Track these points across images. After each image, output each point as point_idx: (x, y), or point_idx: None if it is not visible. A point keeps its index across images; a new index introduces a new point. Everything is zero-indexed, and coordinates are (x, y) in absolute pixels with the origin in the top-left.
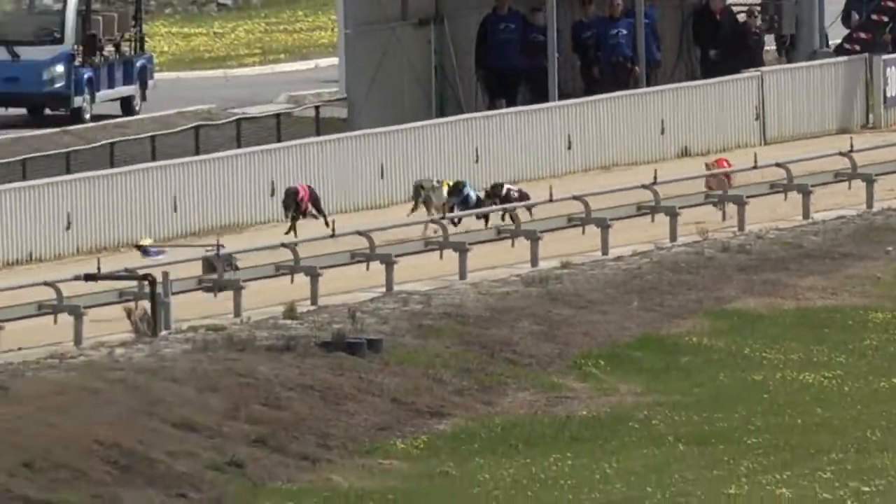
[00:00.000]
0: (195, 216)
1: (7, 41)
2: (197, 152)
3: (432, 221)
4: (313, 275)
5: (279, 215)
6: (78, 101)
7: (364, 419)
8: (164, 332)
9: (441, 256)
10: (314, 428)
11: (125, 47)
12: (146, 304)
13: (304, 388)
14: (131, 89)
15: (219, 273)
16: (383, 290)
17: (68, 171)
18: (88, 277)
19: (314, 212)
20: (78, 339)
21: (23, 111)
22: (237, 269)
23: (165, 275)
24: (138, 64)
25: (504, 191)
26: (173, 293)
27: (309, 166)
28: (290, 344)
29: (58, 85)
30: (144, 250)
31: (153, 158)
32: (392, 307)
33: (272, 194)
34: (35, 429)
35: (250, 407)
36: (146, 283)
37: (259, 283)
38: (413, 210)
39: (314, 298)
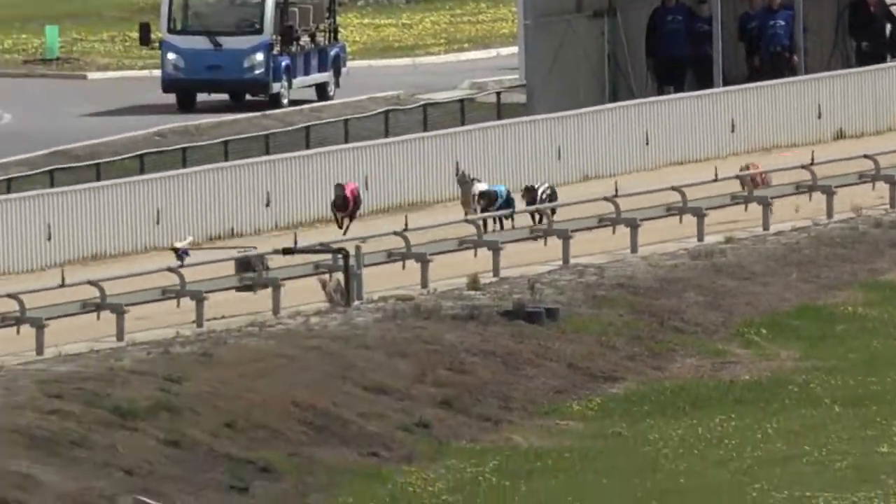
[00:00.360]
0: (384, 194)
1: (211, 32)
2: (386, 135)
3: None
4: (495, 249)
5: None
6: (276, 87)
7: (542, 383)
8: (356, 302)
9: (614, 232)
10: (496, 391)
11: (320, 37)
12: (340, 276)
13: (486, 353)
14: (326, 76)
15: (257, 272)
16: (560, 263)
17: (267, 152)
18: (286, 251)
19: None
20: (276, 309)
21: (225, 97)
22: (268, 269)
23: (358, 248)
24: (332, 53)
25: (538, 193)
26: (365, 266)
27: (490, 148)
28: (473, 313)
29: (258, 72)
30: (179, 252)
31: (346, 141)
32: (568, 279)
33: (457, 174)
34: (236, 392)
35: (436, 371)
36: (340, 256)
37: (445, 257)
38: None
39: (496, 271)
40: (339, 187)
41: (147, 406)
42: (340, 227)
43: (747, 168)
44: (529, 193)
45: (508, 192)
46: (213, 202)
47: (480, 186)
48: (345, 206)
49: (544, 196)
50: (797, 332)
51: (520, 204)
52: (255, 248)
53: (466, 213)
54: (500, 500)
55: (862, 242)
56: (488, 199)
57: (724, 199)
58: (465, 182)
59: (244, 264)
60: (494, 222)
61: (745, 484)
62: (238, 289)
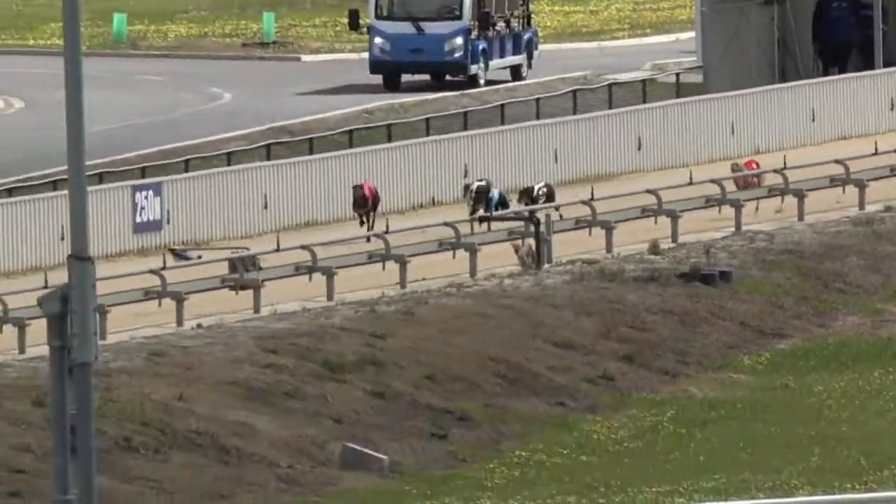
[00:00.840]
0: (572, 167)
1: (414, 18)
2: (574, 112)
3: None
4: (673, 217)
5: (645, 166)
6: (474, 68)
7: (716, 339)
8: (546, 266)
9: (782, 201)
10: (673, 347)
11: (514, 23)
12: (531, 242)
13: (665, 312)
14: (519, 58)
15: (240, 273)
16: (733, 229)
17: (465, 128)
18: (482, 219)
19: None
20: (473, 272)
21: (427, 77)
22: (260, 268)
23: (548, 216)
24: (525, 37)
25: (535, 192)
26: (554, 232)
27: (669, 125)
28: (653, 275)
29: (457, 55)
30: (177, 253)
31: (537, 117)
32: (740, 244)
33: (639, 148)
34: (436, 347)
35: (619, 329)
36: (532, 223)
37: (628, 224)
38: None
39: (674, 237)
40: (359, 188)
41: (354, 360)
42: (362, 225)
43: (740, 169)
44: (526, 193)
45: (501, 194)
46: (417, 174)
47: (481, 185)
48: (364, 205)
49: (540, 193)
50: None
51: (518, 204)
52: (247, 248)
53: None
54: (678, 446)
55: None
56: (479, 197)
57: (883, 171)
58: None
59: (236, 265)
60: (480, 223)
61: None
62: (231, 288)
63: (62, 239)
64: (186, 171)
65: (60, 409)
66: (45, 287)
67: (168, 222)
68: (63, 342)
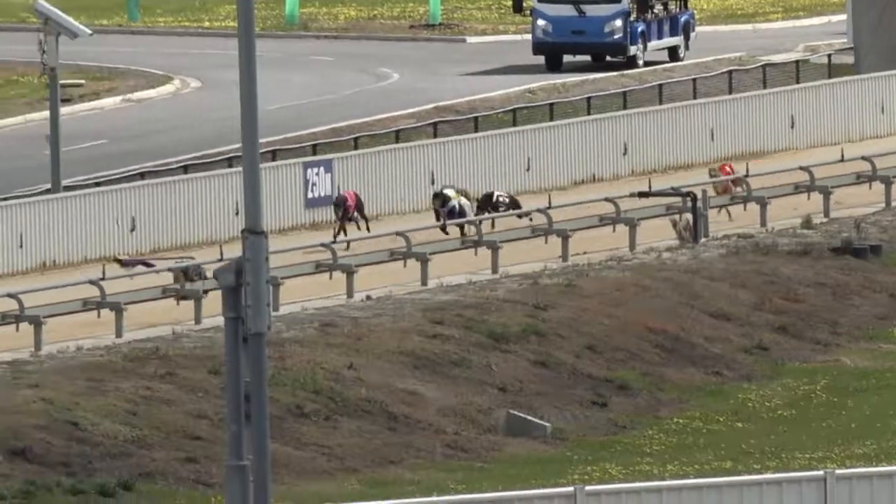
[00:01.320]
0: (728, 145)
1: (575, 1)
2: (730, 92)
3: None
4: (825, 192)
5: (798, 144)
6: (632, 49)
7: (866, 311)
8: (702, 240)
9: None
10: (826, 318)
11: (671, 5)
12: (689, 216)
13: (817, 285)
14: (676, 40)
15: (181, 284)
16: (883, 205)
17: (625, 107)
18: (641, 195)
19: (357, 216)
20: (632, 245)
21: (588, 58)
22: (206, 278)
23: (704, 192)
24: (682, 19)
25: (494, 198)
26: (710, 208)
27: (821, 104)
28: (806, 249)
29: (616, 37)
30: (124, 263)
31: (694, 97)
32: (890, 219)
33: (792, 127)
34: (597, 318)
35: (773, 300)
36: (689, 199)
37: (783, 200)
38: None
39: (826, 212)
40: (340, 197)
41: (518, 331)
42: (340, 232)
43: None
44: (487, 199)
45: (461, 204)
46: (578, 152)
47: (449, 192)
48: (346, 211)
49: (500, 200)
50: None
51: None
52: (192, 258)
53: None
54: (830, 414)
55: None
56: (441, 201)
57: None
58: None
59: (182, 274)
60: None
61: None
62: (177, 298)
63: (237, 214)
64: (356, 148)
65: (235, 378)
66: (220, 260)
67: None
68: (237, 313)
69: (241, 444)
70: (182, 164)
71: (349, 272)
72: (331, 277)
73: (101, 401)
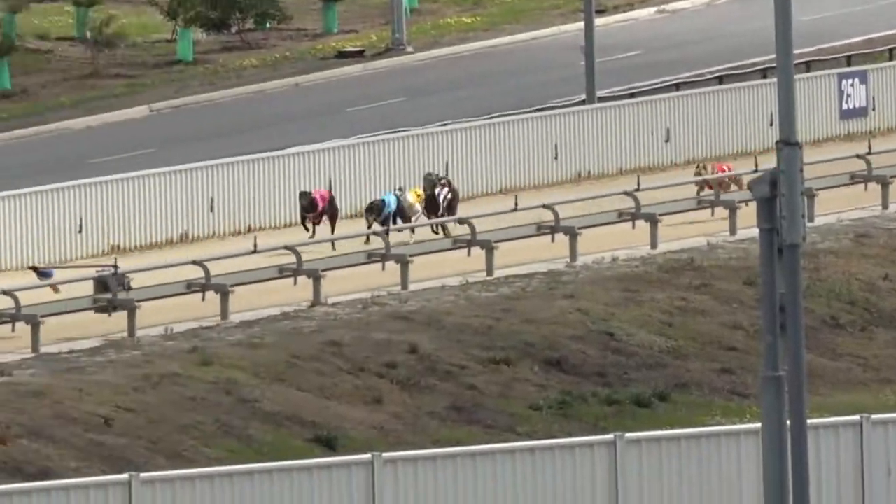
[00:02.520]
0: None
1: None
2: None
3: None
4: None
5: None
6: None
7: None
8: None
9: None
10: None
11: None
12: None
13: None
14: None
15: (113, 292)
16: None
17: None
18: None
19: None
20: None
21: None
22: (130, 289)
23: None
24: None
25: (436, 194)
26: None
27: None
28: None
29: None
30: (39, 272)
31: None
32: None
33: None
34: None
35: None
36: None
37: None
38: None
39: None
40: (305, 195)
41: None
42: (308, 231)
43: (703, 170)
44: (430, 190)
45: (399, 201)
46: None
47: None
48: (312, 210)
49: (444, 196)
50: None
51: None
52: (114, 266)
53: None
54: None
55: None
56: (376, 211)
57: None
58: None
59: (102, 284)
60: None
61: None
62: (95, 310)
63: (771, 125)
64: (890, 59)
65: (770, 289)
66: (755, 171)
67: (874, 109)
68: (772, 224)
69: (777, 356)
70: (716, 74)
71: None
72: (866, 188)
73: (636, 311)
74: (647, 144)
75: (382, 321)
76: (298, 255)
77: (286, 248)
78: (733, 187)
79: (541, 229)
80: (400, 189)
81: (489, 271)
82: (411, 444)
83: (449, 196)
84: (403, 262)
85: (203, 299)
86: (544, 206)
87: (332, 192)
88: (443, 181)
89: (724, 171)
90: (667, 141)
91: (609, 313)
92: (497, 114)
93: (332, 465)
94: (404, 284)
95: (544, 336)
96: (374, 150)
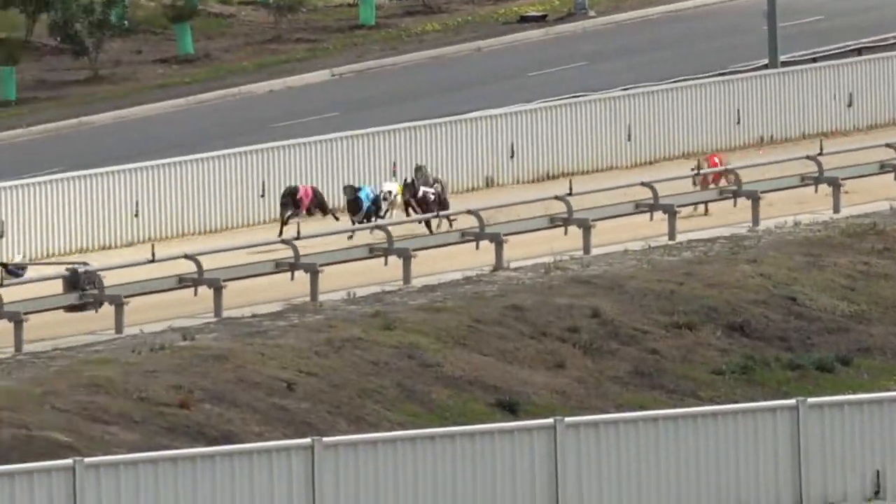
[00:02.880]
0: None
1: None
2: None
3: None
4: None
5: None
6: None
7: None
8: None
9: None
10: None
11: None
12: None
13: None
14: None
15: (80, 291)
16: None
17: None
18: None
19: (316, 211)
20: None
21: None
22: (101, 287)
23: None
24: None
25: (421, 193)
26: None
27: None
28: None
29: None
30: (9, 270)
31: None
32: None
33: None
34: None
35: None
36: None
37: None
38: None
39: None
40: (289, 192)
41: None
42: (284, 225)
43: (698, 166)
44: (409, 189)
45: (375, 196)
46: None
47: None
48: (296, 206)
49: (429, 195)
50: None
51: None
52: (86, 263)
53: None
54: None
55: None
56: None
57: None
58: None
59: (72, 282)
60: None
61: None
62: (66, 309)
63: None
64: None
65: None
66: None
67: None
68: None
69: None
70: None
71: None
72: None
73: (819, 276)
74: (830, 109)
75: (565, 285)
76: (481, 219)
77: (468, 212)
78: (723, 181)
79: (722, 194)
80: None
81: (671, 235)
82: (593, 409)
83: (431, 197)
84: (586, 227)
85: (385, 263)
86: (726, 171)
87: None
88: (434, 183)
89: (716, 163)
90: (849, 105)
91: (791, 278)
92: (679, 78)
93: (514, 430)
94: (586, 249)
95: (726, 300)
96: (556, 114)
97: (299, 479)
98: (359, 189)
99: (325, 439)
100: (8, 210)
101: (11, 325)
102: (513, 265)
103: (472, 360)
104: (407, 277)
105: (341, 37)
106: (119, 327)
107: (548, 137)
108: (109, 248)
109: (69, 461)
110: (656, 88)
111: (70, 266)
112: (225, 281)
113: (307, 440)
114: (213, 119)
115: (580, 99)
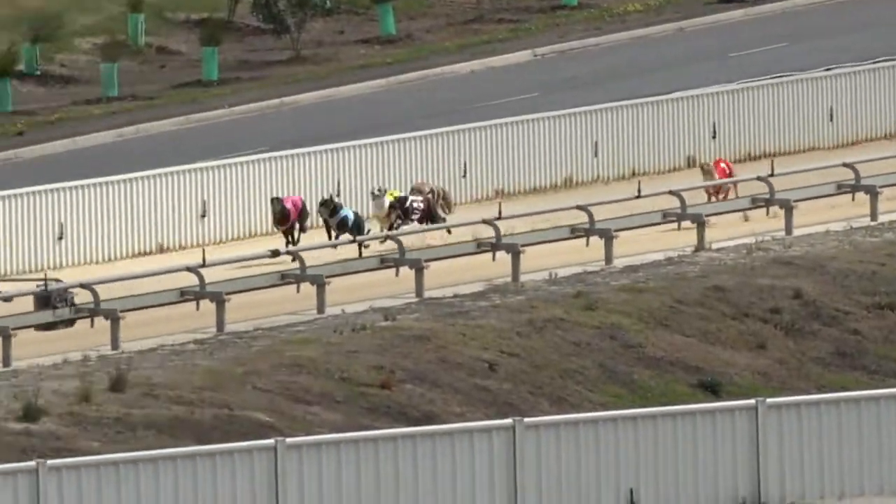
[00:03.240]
0: None
1: None
2: None
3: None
4: None
5: None
6: None
7: None
8: None
9: None
10: None
11: None
12: None
13: None
14: None
15: (53, 308)
16: None
17: None
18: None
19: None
20: None
21: None
22: (74, 305)
23: None
24: None
25: (408, 203)
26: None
27: None
28: None
29: None
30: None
31: None
32: None
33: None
34: None
35: None
36: None
37: None
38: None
39: None
40: (277, 201)
41: None
42: (290, 243)
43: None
44: (398, 204)
45: (357, 215)
46: None
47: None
48: (285, 220)
49: (415, 207)
50: None
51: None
52: (59, 280)
53: (382, 227)
54: None
55: None
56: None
57: None
58: (374, 197)
59: (43, 300)
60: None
61: None
62: (37, 328)
63: None
64: None
65: None
66: None
67: None
68: None
69: None
70: None
71: None
72: None
73: None
74: None
75: (766, 266)
76: (682, 200)
77: (671, 192)
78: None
79: None
80: (380, 190)
81: (873, 216)
82: (795, 390)
83: (422, 206)
84: (788, 208)
85: (587, 245)
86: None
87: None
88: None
89: (723, 171)
90: None
91: None
92: (881, 58)
93: (715, 411)
94: (788, 230)
95: None
96: (757, 95)
97: (500, 458)
98: (340, 207)
99: (525, 420)
100: (210, 190)
101: (213, 304)
102: (714, 246)
103: (673, 341)
104: (609, 258)
105: (543, 17)
106: (321, 307)
107: (749, 118)
108: (311, 228)
109: (272, 441)
110: (858, 69)
111: (41, 283)
112: (426, 261)
113: (508, 421)
114: (414, 100)
115: (782, 79)
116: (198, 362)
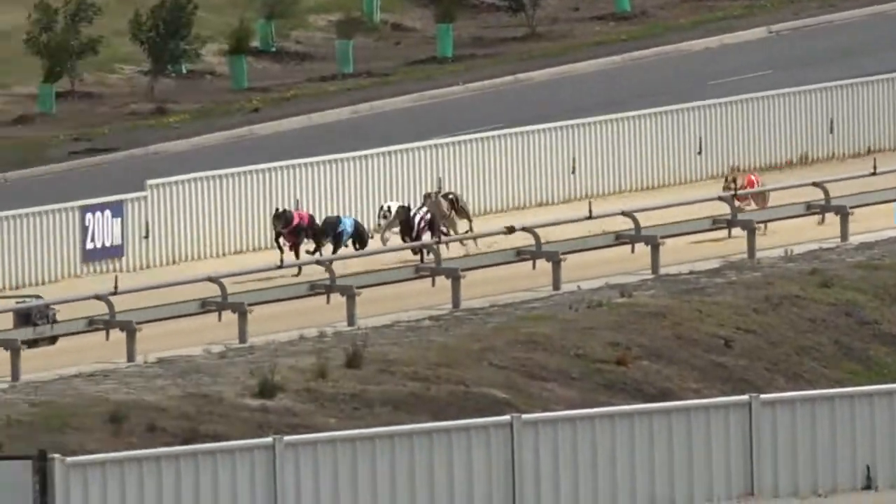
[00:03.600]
0: None
1: None
2: None
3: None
4: None
5: None
6: None
7: None
8: None
9: None
10: None
11: None
12: None
13: None
14: None
15: (34, 325)
16: None
17: None
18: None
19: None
20: None
21: None
22: (55, 321)
23: None
24: None
25: (412, 214)
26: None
27: None
28: None
29: None
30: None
31: None
32: None
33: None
34: None
35: None
36: None
37: None
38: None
39: None
40: (283, 217)
41: None
42: (294, 254)
43: (733, 181)
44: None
45: (356, 223)
46: None
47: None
48: (287, 228)
49: (423, 219)
50: None
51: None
52: (39, 296)
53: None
54: None
55: None
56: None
57: None
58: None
59: (24, 317)
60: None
61: None
62: (25, 343)
63: None
64: None
65: None
66: None
67: None
68: None
69: None
70: None
71: None
72: None
73: None
74: None
75: None
76: None
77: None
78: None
79: None
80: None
81: None
82: None
83: (428, 217)
84: None
85: (822, 221)
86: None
87: None
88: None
89: (752, 183)
90: None
91: None
92: None
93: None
94: None
95: None
96: None
97: (736, 434)
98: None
99: (762, 396)
100: (446, 166)
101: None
102: None
103: None
104: (844, 234)
105: None
106: (556, 284)
107: None
108: (546, 204)
109: (745, 397)
110: None
111: (21, 300)
112: (662, 238)
113: (745, 397)
114: (648, 76)
115: None
116: (433, 338)
